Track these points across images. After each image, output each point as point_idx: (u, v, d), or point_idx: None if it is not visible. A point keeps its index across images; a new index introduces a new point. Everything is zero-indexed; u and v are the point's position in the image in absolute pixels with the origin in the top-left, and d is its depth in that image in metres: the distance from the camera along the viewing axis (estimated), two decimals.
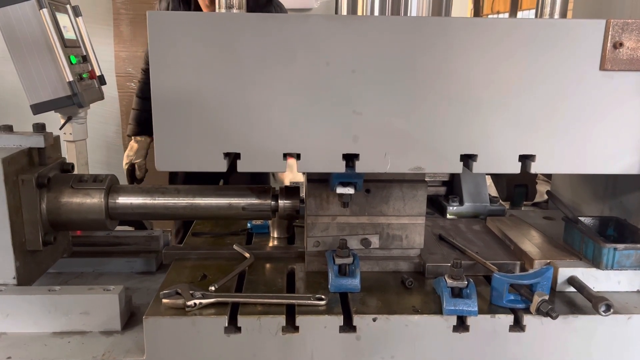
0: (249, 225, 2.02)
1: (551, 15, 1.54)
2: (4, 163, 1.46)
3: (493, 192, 2.35)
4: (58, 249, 1.77)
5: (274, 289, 1.55)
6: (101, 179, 1.65)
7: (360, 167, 1.34)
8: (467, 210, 2.11)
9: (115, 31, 4.35)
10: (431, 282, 1.57)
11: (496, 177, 2.40)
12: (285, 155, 1.34)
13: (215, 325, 1.38)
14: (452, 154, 1.35)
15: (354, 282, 1.51)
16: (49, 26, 2.41)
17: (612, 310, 1.37)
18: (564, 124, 1.34)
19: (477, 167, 1.36)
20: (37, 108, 2.52)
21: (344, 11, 1.54)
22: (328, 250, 1.62)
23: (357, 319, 1.39)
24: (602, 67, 1.31)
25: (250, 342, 1.38)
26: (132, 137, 3.05)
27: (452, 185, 2.22)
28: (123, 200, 1.65)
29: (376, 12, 1.48)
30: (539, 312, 1.38)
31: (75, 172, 1.80)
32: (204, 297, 1.42)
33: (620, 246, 1.51)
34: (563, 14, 1.54)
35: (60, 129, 2.74)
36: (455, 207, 2.11)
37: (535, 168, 1.37)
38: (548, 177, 2.61)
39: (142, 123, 3.01)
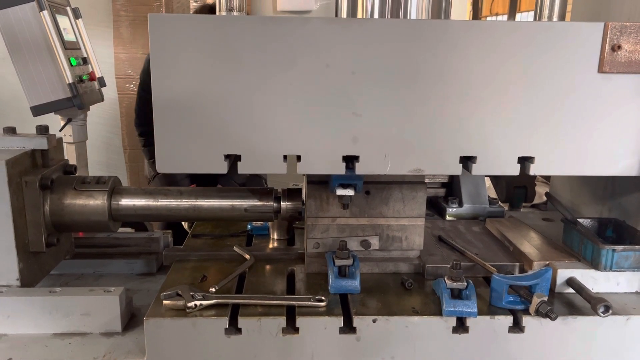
0: (249, 226, 2.02)
1: (550, 17, 1.54)
2: (7, 165, 1.47)
3: (492, 193, 2.36)
4: (61, 251, 1.78)
5: (274, 290, 1.55)
6: (104, 180, 1.66)
7: (360, 168, 1.35)
8: (466, 211, 2.11)
9: (115, 33, 4.35)
10: (431, 283, 1.57)
11: (495, 179, 2.40)
12: (286, 157, 1.35)
13: (215, 327, 1.38)
14: (451, 156, 1.36)
15: (354, 284, 1.52)
16: (49, 28, 2.41)
17: (610, 311, 1.38)
18: (563, 126, 1.35)
19: (477, 169, 1.36)
20: (37, 110, 2.51)
21: (344, 14, 1.55)
22: (328, 251, 1.63)
23: (357, 320, 1.40)
24: (601, 70, 1.31)
25: (251, 343, 1.39)
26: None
27: (452, 187, 2.23)
28: (126, 201, 1.65)
29: (376, 15, 1.49)
30: (538, 313, 1.38)
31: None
32: (204, 298, 1.42)
33: (619, 247, 1.52)
34: (562, 17, 1.54)
35: (60, 130, 2.74)
36: (454, 209, 2.12)
37: (534, 170, 1.37)
38: (547, 178, 2.62)
39: None
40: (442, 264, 1.64)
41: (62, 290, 1.54)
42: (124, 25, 4.32)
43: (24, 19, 2.43)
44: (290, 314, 1.41)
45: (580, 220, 1.70)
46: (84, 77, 2.69)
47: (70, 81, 2.48)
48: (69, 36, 2.68)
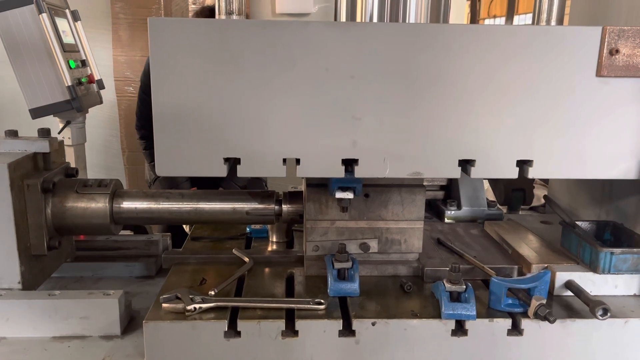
0: (248, 229, 2.03)
1: (548, 21, 1.55)
2: (9, 168, 1.47)
3: (491, 196, 2.36)
4: (62, 254, 1.78)
5: (273, 293, 1.55)
6: (106, 183, 1.66)
7: (360, 172, 1.35)
8: (465, 214, 2.12)
9: (114, 36, 4.36)
10: (430, 286, 1.58)
11: (494, 182, 2.41)
12: (285, 160, 1.35)
13: (215, 330, 1.38)
14: (450, 159, 1.36)
15: (353, 287, 1.52)
16: (48, 31, 2.42)
17: (609, 314, 1.38)
18: (561, 130, 1.36)
19: (475, 172, 1.37)
20: (36, 112, 2.52)
21: (343, 17, 1.55)
22: (327, 254, 1.63)
23: (356, 323, 1.40)
24: (599, 74, 1.32)
25: (250, 347, 1.39)
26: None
27: (450, 190, 2.23)
28: (127, 204, 1.66)
29: (375, 19, 1.49)
30: (536, 316, 1.39)
31: None
32: (203, 301, 1.42)
33: (617, 250, 1.52)
34: (560, 20, 1.55)
35: (59, 133, 2.74)
36: (453, 212, 2.12)
37: (532, 173, 1.38)
38: (545, 181, 2.63)
39: None
40: (441, 266, 1.64)
41: (61, 293, 1.54)
42: (122, 28, 4.33)
43: (23, 22, 2.43)
44: (290, 317, 1.41)
45: (578, 223, 1.71)
46: (83, 80, 2.69)
47: (69, 84, 2.48)
48: (67, 39, 2.69)
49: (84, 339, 1.51)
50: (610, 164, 1.39)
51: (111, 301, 1.52)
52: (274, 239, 1.97)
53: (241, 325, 1.38)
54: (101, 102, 2.98)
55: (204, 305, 1.42)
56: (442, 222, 2.11)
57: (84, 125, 2.87)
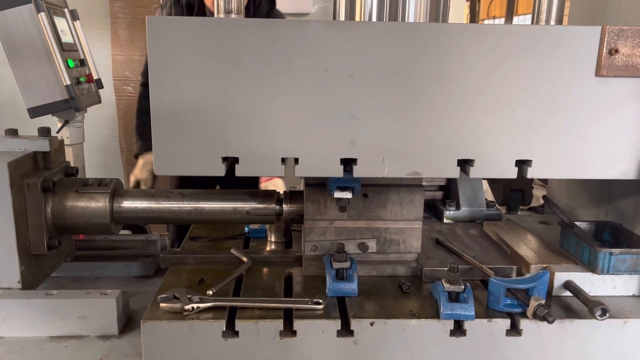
0: (246, 229, 2.02)
1: (547, 21, 1.55)
2: (9, 167, 1.47)
3: (489, 196, 2.36)
4: (62, 253, 1.78)
5: (272, 293, 1.55)
6: (106, 182, 1.66)
7: (358, 171, 1.35)
8: (463, 214, 2.12)
9: (113, 35, 4.35)
10: (428, 286, 1.57)
11: (493, 182, 2.41)
12: (284, 160, 1.35)
13: (213, 330, 1.37)
14: (449, 159, 1.36)
15: (352, 287, 1.52)
16: (46, 30, 2.41)
17: (608, 314, 1.38)
18: (561, 130, 1.36)
19: (474, 172, 1.36)
20: (35, 112, 2.51)
21: (342, 17, 1.55)
22: (325, 254, 1.63)
23: (354, 323, 1.40)
24: (598, 73, 1.32)
25: (248, 347, 1.38)
26: (138, 157, 3.04)
27: (449, 190, 2.23)
28: (128, 204, 1.65)
29: (374, 18, 1.49)
30: (535, 316, 1.38)
31: None
32: (201, 301, 1.42)
33: (616, 251, 1.52)
34: (559, 20, 1.55)
35: (57, 132, 2.74)
36: (452, 212, 2.12)
37: (532, 173, 1.38)
38: (544, 181, 2.63)
39: (145, 139, 2.98)
40: (439, 267, 1.64)
41: (58, 293, 1.53)
42: (121, 27, 4.32)
43: (22, 21, 2.43)
44: (288, 317, 1.41)
45: (577, 223, 1.71)
46: (82, 79, 2.69)
47: (68, 83, 2.48)
48: (66, 38, 2.68)
49: (82, 338, 1.50)
50: (609, 164, 1.39)
51: (109, 301, 1.51)
52: (273, 239, 1.97)
53: (239, 325, 1.38)
54: (100, 102, 2.97)
55: (202, 305, 1.41)
56: (440, 223, 2.10)
57: (83, 125, 2.87)
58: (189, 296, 1.43)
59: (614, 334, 1.44)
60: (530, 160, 1.37)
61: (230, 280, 1.59)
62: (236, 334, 1.38)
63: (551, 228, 1.91)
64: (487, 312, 1.45)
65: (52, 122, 2.74)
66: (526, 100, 1.34)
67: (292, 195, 1.69)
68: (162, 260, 1.78)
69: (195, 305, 1.40)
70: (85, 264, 1.88)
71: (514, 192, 2.31)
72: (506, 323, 1.42)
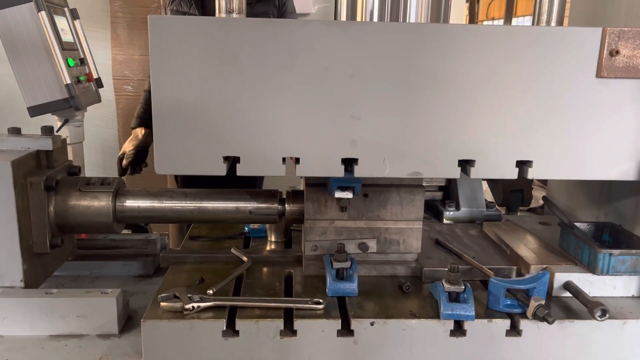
0: (246, 229, 2.02)
1: (548, 22, 1.55)
2: (13, 166, 1.46)
3: (489, 197, 2.36)
4: (64, 252, 1.78)
5: (272, 292, 1.55)
6: (109, 182, 1.66)
7: (359, 171, 1.35)
8: (463, 215, 2.12)
9: (113, 34, 4.35)
10: (428, 286, 1.57)
11: (492, 183, 2.41)
12: (284, 159, 1.35)
13: (213, 329, 1.37)
14: (450, 159, 1.36)
15: (352, 286, 1.52)
16: (47, 29, 2.41)
17: (607, 315, 1.38)
18: (561, 130, 1.36)
19: (475, 172, 1.37)
20: (34, 110, 2.51)
21: (343, 17, 1.55)
22: (326, 254, 1.63)
23: (354, 323, 1.40)
24: (599, 75, 1.32)
25: (248, 346, 1.38)
26: (132, 130, 3.04)
27: (449, 190, 2.23)
28: (130, 203, 1.65)
29: (375, 18, 1.49)
30: (535, 316, 1.39)
31: None
32: (202, 300, 1.42)
33: (616, 252, 1.52)
34: (560, 21, 1.55)
35: (57, 131, 2.73)
36: (451, 212, 2.12)
37: (532, 174, 1.38)
38: (543, 182, 2.63)
39: (141, 115, 2.99)
40: (439, 267, 1.64)
41: (58, 292, 1.53)
42: (121, 27, 4.32)
43: (22, 20, 2.42)
44: (288, 317, 1.41)
45: (577, 224, 1.71)
46: (82, 78, 2.68)
47: (68, 82, 2.47)
48: (66, 37, 2.68)
49: (81, 337, 1.50)
50: (609, 165, 1.39)
51: (109, 300, 1.51)
52: (273, 239, 1.97)
53: (239, 324, 1.38)
54: (99, 101, 2.97)
55: (202, 305, 1.41)
56: (440, 223, 2.10)
57: (82, 124, 2.86)
58: (189, 295, 1.43)
59: (613, 335, 1.44)
60: (531, 161, 1.37)
61: (230, 279, 1.59)
62: (236, 333, 1.38)
63: (551, 229, 1.91)
64: (487, 312, 1.45)
65: (52, 121, 2.74)
66: (527, 101, 1.34)
67: (295, 195, 1.69)
68: (162, 259, 1.78)
69: (195, 305, 1.40)
70: (84, 263, 1.88)
71: (514, 192, 2.31)
72: (506, 323, 1.42)
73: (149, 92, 3.03)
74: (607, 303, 1.41)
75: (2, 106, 4.07)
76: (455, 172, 1.37)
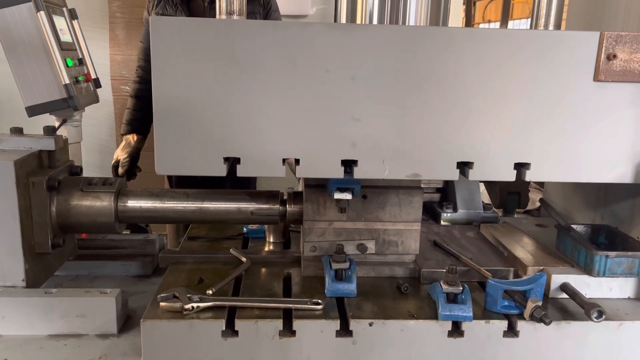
0: (245, 229, 2.03)
1: (546, 26, 1.57)
2: (15, 165, 1.47)
3: (486, 199, 2.38)
4: (65, 252, 1.78)
5: (271, 293, 1.56)
6: (110, 182, 1.66)
7: (359, 173, 1.36)
8: (460, 217, 2.13)
9: (111, 35, 4.35)
10: (426, 287, 1.58)
11: (489, 185, 2.43)
12: (284, 161, 1.36)
13: (212, 329, 1.38)
14: (448, 162, 1.38)
15: (351, 287, 1.53)
16: (46, 29, 2.41)
17: (604, 316, 1.40)
18: (558, 133, 1.37)
19: (473, 174, 1.38)
20: (33, 110, 2.50)
21: (343, 19, 1.56)
22: (324, 255, 1.63)
23: (353, 324, 1.41)
24: (596, 78, 1.34)
25: (248, 346, 1.39)
26: (123, 136, 3.05)
27: (446, 192, 2.24)
28: (132, 203, 1.65)
29: (375, 21, 1.50)
30: (532, 317, 1.40)
31: None
32: (201, 300, 1.42)
33: (612, 254, 1.53)
34: (558, 25, 1.57)
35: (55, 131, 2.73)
36: (449, 214, 2.13)
37: (530, 176, 1.39)
38: (540, 185, 2.64)
39: (131, 122, 3.01)
40: (437, 268, 1.65)
41: (57, 292, 1.53)
42: (119, 27, 4.32)
43: (21, 20, 2.42)
44: (287, 317, 1.42)
45: (573, 226, 1.72)
46: (80, 78, 2.68)
47: (67, 82, 2.47)
48: (65, 37, 2.67)
49: (80, 337, 1.50)
50: (606, 168, 1.41)
51: (108, 300, 1.51)
52: (271, 240, 1.97)
53: (239, 324, 1.38)
54: (98, 101, 2.96)
55: (202, 305, 1.42)
56: (438, 224, 2.11)
57: (80, 124, 2.86)
58: (188, 295, 1.43)
59: (609, 336, 1.45)
60: (529, 164, 1.39)
61: (229, 280, 1.59)
62: (236, 333, 1.38)
63: (547, 231, 1.93)
64: (484, 313, 1.46)
65: (50, 121, 2.74)
66: (525, 104, 1.35)
67: (295, 196, 1.69)
68: (161, 259, 1.78)
69: (195, 305, 1.41)
70: (83, 262, 1.88)
71: (511, 194, 2.32)
72: (503, 324, 1.43)
73: (136, 97, 3.05)
74: (603, 304, 1.43)
75: (1, 105, 4.06)
76: (453, 174, 1.39)
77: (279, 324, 1.39)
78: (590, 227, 1.76)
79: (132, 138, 2.99)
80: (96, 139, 4.44)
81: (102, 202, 1.62)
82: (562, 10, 1.58)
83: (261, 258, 1.80)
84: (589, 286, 1.56)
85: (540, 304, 1.40)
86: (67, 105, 2.52)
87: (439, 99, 1.33)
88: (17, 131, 1.64)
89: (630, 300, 1.57)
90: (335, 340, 1.41)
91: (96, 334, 1.52)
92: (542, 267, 1.60)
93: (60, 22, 2.67)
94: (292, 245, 1.96)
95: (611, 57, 1.32)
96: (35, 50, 2.47)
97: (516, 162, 1.39)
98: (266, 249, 1.93)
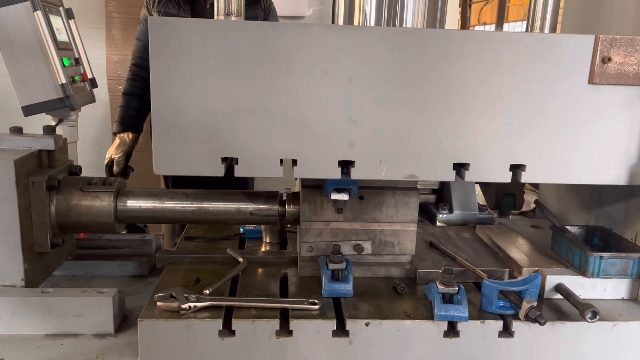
0: (241, 230, 2.03)
1: (541, 29, 1.58)
2: (15, 165, 1.47)
3: (482, 200, 2.39)
4: (64, 252, 1.78)
5: (268, 293, 1.56)
6: (110, 182, 1.66)
7: (356, 173, 1.37)
8: (456, 218, 2.14)
9: (107, 34, 4.34)
10: (422, 288, 1.59)
11: (485, 186, 2.44)
12: (282, 161, 1.36)
13: (209, 329, 1.38)
14: (445, 163, 1.39)
15: (347, 287, 1.53)
16: (42, 28, 2.40)
17: (598, 317, 1.41)
18: (554, 135, 1.39)
19: (469, 175, 1.39)
20: (29, 110, 2.50)
21: (341, 21, 1.57)
22: (321, 255, 1.64)
23: (349, 324, 1.41)
24: (591, 81, 1.35)
25: (244, 346, 1.39)
26: (116, 135, 3.05)
27: (442, 193, 2.25)
28: (132, 203, 1.65)
29: (372, 22, 1.51)
30: (527, 318, 1.41)
31: None
32: (198, 300, 1.43)
33: (606, 255, 1.55)
34: (553, 28, 1.58)
35: None
36: (445, 215, 2.14)
37: (525, 177, 1.40)
38: (535, 186, 2.66)
39: (124, 120, 3.01)
40: (433, 269, 1.66)
41: (54, 291, 1.53)
42: (116, 27, 4.31)
43: (18, 19, 2.42)
44: (284, 317, 1.42)
45: (568, 227, 1.73)
46: (76, 78, 2.68)
47: (63, 81, 2.47)
48: (61, 37, 2.67)
49: (77, 336, 1.50)
50: (600, 170, 1.42)
51: (105, 299, 1.51)
52: (268, 240, 1.98)
53: (236, 324, 1.39)
54: (94, 101, 2.95)
55: (199, 304, 1.42)
56: (434, 225, 2.12)
57: (77, 124, 2.86)
58: (185, 295, 1.43)
59: (603, 336, 1.47)
60: (524, 165, 1.40)
61: (226, 280, 1.59)
62: (232, 333, 1.39)
63: (542, 232, 1.94)
64: (480, 313, 1.47)
65: (46, 120, 2.73)
66: (521, 106, 1.36)
67: (295, 197, 1.70)
68: (158, 259, 1.78)
69: (192, 305, 1.41)
70: (80, 262, 1.88)
71: (506, 196, 2.34)
72: (499, 324, 1.44)
73: (130, 95, 3.04)
74: (598, 305, 1.44)
75: None
76: (450, 176, 1.40)
77: (275, 323, 1.40)
78: (585, 229, 1.78)
79: (126, 136, 2.98)
80: (92, 139, 4.43)
81: (101, 202, 1.62)
82: (557, 13, 1.59)
83: (258, 258, 1.80)
84: (584, 287, 1.57)
85: (535, 304, 1.42)
86: (64, 105, 2.52)
87: (436, 101, 1.34)
88: (17, 130, 1.64)
89: (624, 301, 1.59)
90: (332, 340, 1.41)
91: (93, 333, 1.52)
92: (537, 268, 1.62)
93: (57, 21, 2.67)
94: (288, 246, 1.96)
95: (606, 60, 1.33)
96: (32, 50, 2.46)
97: (512, 163, 1.40)
98: (263, 249, 1.94)
